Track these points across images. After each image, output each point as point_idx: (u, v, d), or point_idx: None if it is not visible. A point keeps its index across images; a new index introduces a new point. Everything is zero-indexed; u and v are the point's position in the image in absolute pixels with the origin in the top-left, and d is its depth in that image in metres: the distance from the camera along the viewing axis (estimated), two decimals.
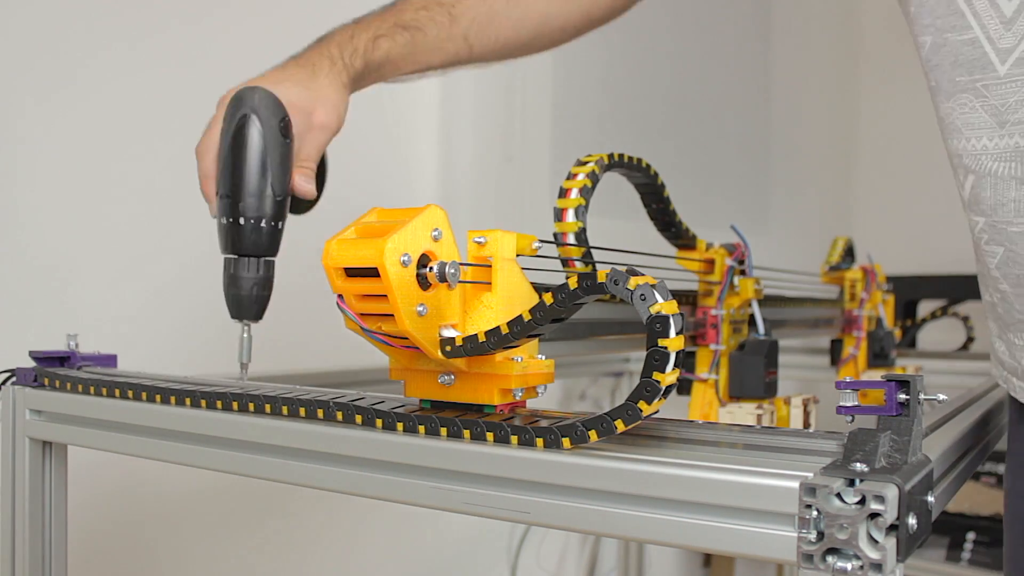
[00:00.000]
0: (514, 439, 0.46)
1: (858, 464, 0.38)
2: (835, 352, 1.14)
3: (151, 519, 1.08)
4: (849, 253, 1.16)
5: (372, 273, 0.45)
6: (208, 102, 0.73)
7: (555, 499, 0.44)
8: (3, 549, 0.71)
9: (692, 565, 2.16)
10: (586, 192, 0.65)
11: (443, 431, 0.49)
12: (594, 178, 0.66)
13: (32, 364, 0.73)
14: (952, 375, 1.21)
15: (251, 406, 0.57)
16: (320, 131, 0.76)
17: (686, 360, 0.79)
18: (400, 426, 0.50)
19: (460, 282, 0.49)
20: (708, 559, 2.18)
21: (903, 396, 0.42)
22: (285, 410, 0.55)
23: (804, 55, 2.50)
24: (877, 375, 1.01)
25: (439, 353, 0.48)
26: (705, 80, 2.07)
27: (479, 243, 0.51)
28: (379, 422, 0.51)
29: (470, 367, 0.50)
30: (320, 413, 0.54)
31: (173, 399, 0.61)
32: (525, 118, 1.56)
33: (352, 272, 0.46)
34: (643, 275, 0.44)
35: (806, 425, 0.80)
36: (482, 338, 0.47)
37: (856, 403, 0.43)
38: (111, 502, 1.03)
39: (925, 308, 1.96)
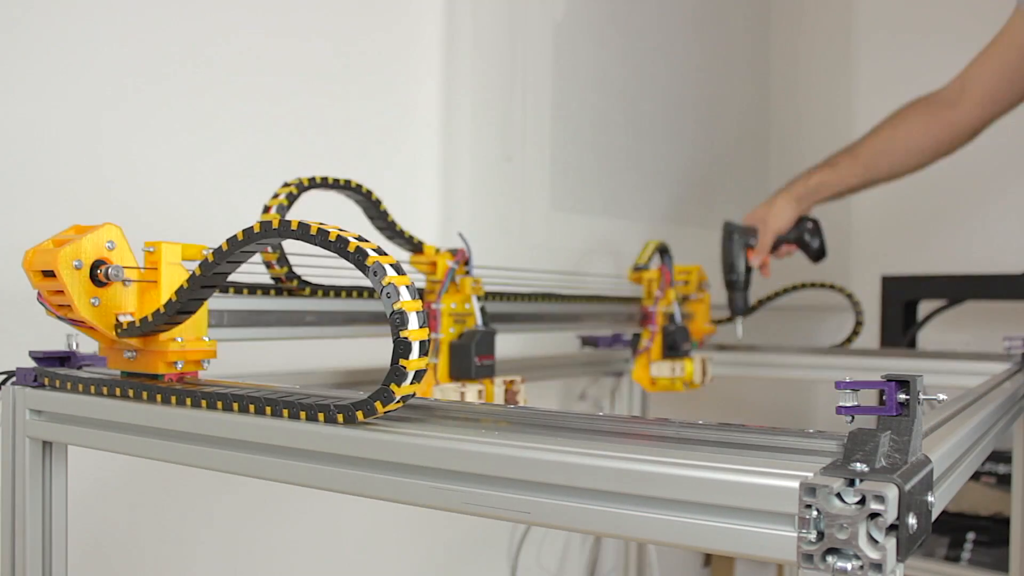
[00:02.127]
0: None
1: (858, 464, 0.38)
2: (635, 344, 1.31)
3: (151, 519, 1.08)
4: (664, 254, 1.31)
5: (53, 274, 0.61)
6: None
7: (555, 499, 0.44)
8: (4, 549, 0.71)
9: (692, 565, 2.16)
10: (281, 210, 0.80)
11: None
12: (291, 197, 0.81)
13: (32, 364, 0.73)
14: (952, 375, 1.21)
15: (251, 406, 0.57)
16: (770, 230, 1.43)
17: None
18: (360, 414, 0.50)
19: (132, 281, 0.64)
20: (708, 559, 2.18)
21: (903, 396, 0.42)
22: (285, 412, 0.55)
23: (803, 55, 2.50)
24: (665, 365, 1.26)
25: (113, 334, 0.64)
26: (704, 80, 2.07)
27: (149, 252, 0.65)
28: (363, 414, 0.51)
29: (145, 346, 0.65)
30: (320, 416, 0.54)
31: (173, 399, 0.61)
32: (525, 118, 1.56)
33: (45, 273, 0.62)
34: (386, 255, 0.51)
35: (512, 401, 0.94)
36: (137, 322, 0.63)
37: (856, 403, 0.43)
38: (111, 502, 1.03)
39: (925, 308, 1.96)
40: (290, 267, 0.84)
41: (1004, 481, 1.74)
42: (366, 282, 0.83)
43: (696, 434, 0.49)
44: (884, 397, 0.42)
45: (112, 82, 1.02)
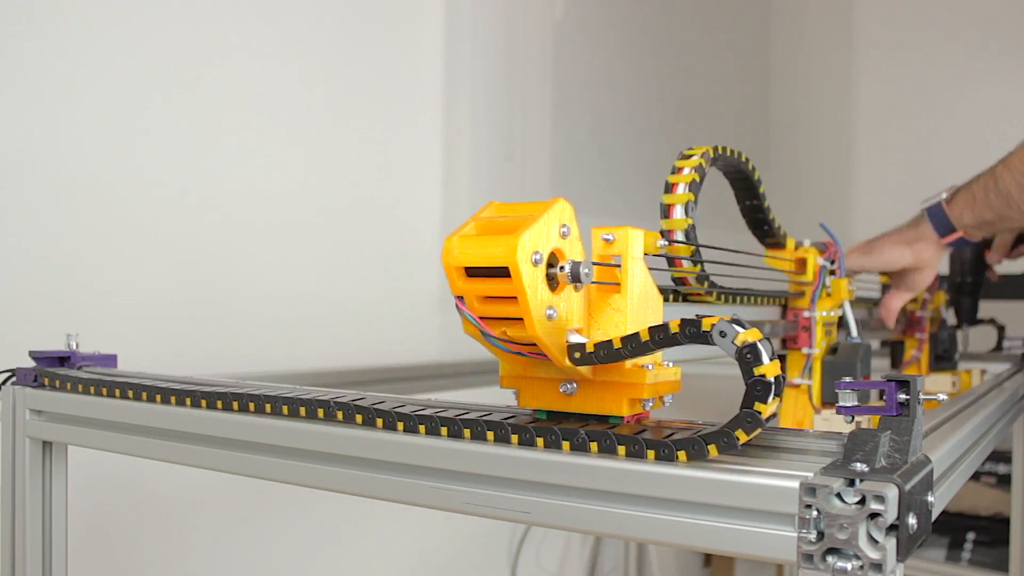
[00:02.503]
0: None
1: (858, 464, 0.38)
2: (896, 354, 1.09)
3: (151, 519, 1.08)
4: None
5: (500, 273, 0.41)
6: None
7: (555, 499, 0.44)
8: (4, 549, 0.71)
9: (692, 565, 2.16)
10: (695, 187, 0.60)
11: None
12: (701, 172, 0.61)
13: (32, 364, 0.73)
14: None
15: (251, 406, 0.57)
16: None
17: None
18: (400, 425, 0.50)
19: (596, 283, 0.45)
20: (708, 559, 2.18)
21: (903, 396, 0.42)
22: (285, 410, 0.55)
23: (803, 55, 2.50)
24: (944, 380, 1.02)
25: (566, 360, 0.44)
26: (704, 80, 2.07)
27: (607, 240, 0.47)
28: (380, 421, 0.51)
29: (596, 375, 0.46)
30: (320, 413, 0.54)
31: (173, 399, 0.61)
32: (525, 118, 1.56)
33: (475, 272, 0.42)
34: (749, 328, 0.41)
35: None
36: (618, 344, 0.42)
37: (856, 403, 0.43)
38: (111, 502, 1.03)
39: None
40: (703, 266, 0.62)
41: (1004, 481, 1.74)
42: (770, 286, 0.72)
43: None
44: (884, 397, 0.42)
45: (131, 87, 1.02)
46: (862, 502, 0.36)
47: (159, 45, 1.06)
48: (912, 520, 0.37)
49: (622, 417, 0.46)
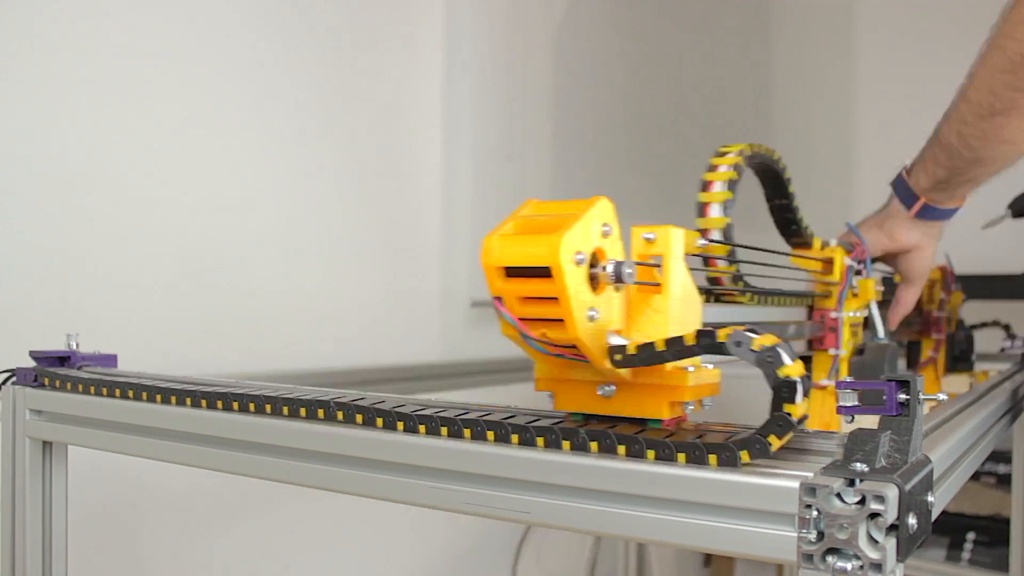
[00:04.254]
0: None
1: (858, 464, 0.38)
2: (912, 355, 1.07)
3: (151, 519, 1.08)
4: None
5: (542, 273, 0.40)
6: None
7: (555, 499, 0.44)
8: (4, 549, 0.71)
9: (692, 565, 2.16)
10: (732, 185, 0.60)
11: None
12: (739, 169, 0.60)
13: (32, 364, 0.73)
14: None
15: (251, 406, 0.57)
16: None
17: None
18: (400, 425, 0.50)
19: (639, 283, 0.45)
20: (708, 559, 2.18)
21: (903, 396, 0.42)
22: (285, 410, 0.55)
23: (804, 54, 2.49)
24: (962, 380, 0.99)
25: (607, 363, 0.43)
26: (704, 79, 2.07)
27: (648, 239, 0.46)
28: (380, 421, 0.51)
29: (635, 377, 0.45)
30: (320, 413, 0.54)
31: (173, 399, 0.61)
32: (525, 118, 1.56)
33: (515, 272, 0.41)
34: (763, 334, 0.40)
35: None
36: (661, 346, 0.42)
37: (856, 403, 0.43)
38: (111, 502, 1.03)
39: None
40: (738, 266, 0.62)
41: (1004, 481, 1.74)
42: (795, 286, 0.71)
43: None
44: (884, 397, 0.42)
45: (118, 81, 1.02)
46: (862, 502, 0.36)
47: (158, 43, 1.06)
48: (912, 520, 0.37)
49: (661, 420, 0.45)
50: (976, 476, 1.75)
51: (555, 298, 0.40)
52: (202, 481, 1.12)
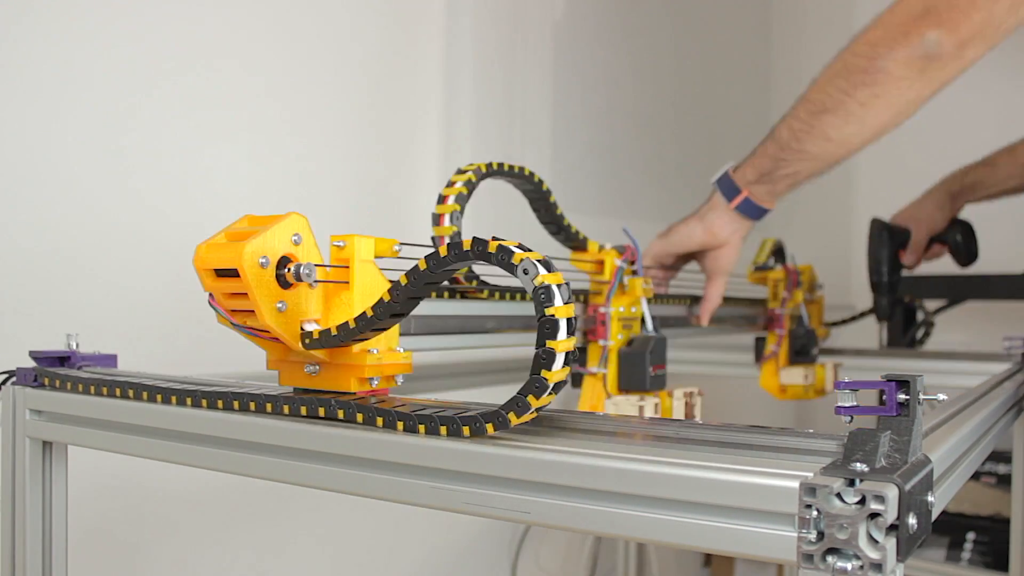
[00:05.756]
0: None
1: (858, 464, 0.38)
2: (759, 349, 1.19)
3: (151, 519, 1.08)
4: (778, 254, 1.20)
5: (235, 273, 0.50)
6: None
7: (555, 499, 0.44)
8: (4, 549, 0.71)
9: (692, 565, 2.16)
10: (461, 199, 0.71)
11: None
12: (470, 186, 0.72)
13: (32, 364, 0.73)
14: (952, 375, 1.21)
15: (251, 406, 0.57)
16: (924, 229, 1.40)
17: (580, 355, 0.84)
18: (400, 425, 0.50)
19: (319, 281, 0.54)
20: (708, 559, 2.18)
21: (903, 396, 0.42)
22: (286, 409, 0.56)
23: (805, 52, 2.50)
24: (797, 372, 1.13)
25: (300, 345, 0.53)
26: (705, 79, 2.07)
27: (339, 247, 0.56)
28: (380, 421, 0.51)
29: (332, 358, 0.56)
30: (321, 412, 0.54)
31: (173, 399, 0.61)
32: (525, 118, 1.56)
33: (220, 272, 0.51)
34: (530, 251, 0.46)
35: (688, 416, 0.85)
36: (334, 331, 0.52)
37: (855, 403, 0.43)
38: (111, 502, 1.03)
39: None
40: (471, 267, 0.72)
41: (1004, 481, 1.74)
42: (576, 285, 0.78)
43: (696, 434, 0.49)
44: (884, 397, 0.42)
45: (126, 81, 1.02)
46: (862, 502, 0.36)
47: (157, 43, 1.06)
48: (912, 520, 0.37)
49: (353, 393, 0.56)
50: (976, 476, 1.75)
51: (246, 293, 0.51)
52: (203, 481, 1.12)
